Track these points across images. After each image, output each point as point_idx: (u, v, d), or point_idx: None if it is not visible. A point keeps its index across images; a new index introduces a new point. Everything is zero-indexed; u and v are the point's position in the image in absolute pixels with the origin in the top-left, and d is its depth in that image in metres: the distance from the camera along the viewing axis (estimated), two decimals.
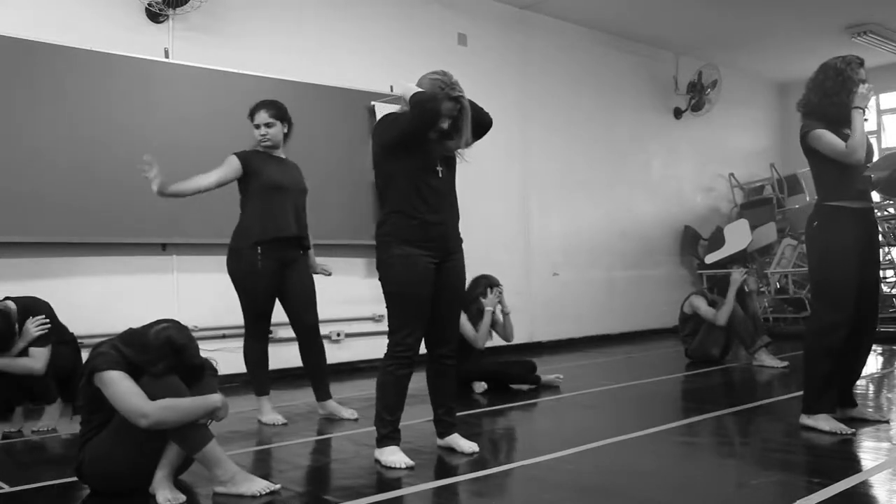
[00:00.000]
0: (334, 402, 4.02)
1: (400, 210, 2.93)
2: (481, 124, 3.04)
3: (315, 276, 4.05)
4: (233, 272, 3.83)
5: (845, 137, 3.25)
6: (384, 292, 2.98)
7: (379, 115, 6.03)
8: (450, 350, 3.11)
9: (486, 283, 4.76)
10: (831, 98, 3.28)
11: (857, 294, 3.23)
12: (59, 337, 3.83)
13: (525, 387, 4.77)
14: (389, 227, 2.95)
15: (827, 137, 3.25)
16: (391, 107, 6.04)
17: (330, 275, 4.16)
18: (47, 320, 3.73)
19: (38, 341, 3.69)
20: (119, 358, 2.50)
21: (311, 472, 3.00)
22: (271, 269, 3.79)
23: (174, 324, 2.62)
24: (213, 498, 2.53)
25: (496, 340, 5.07)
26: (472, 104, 3.01)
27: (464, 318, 4.70)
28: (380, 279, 2.99)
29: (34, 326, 3.67)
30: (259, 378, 3.93)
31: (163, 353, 2.52)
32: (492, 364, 4.84)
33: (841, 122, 3.31)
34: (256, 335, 3.90)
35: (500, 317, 4.90)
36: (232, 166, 3.79)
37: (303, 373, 4.17)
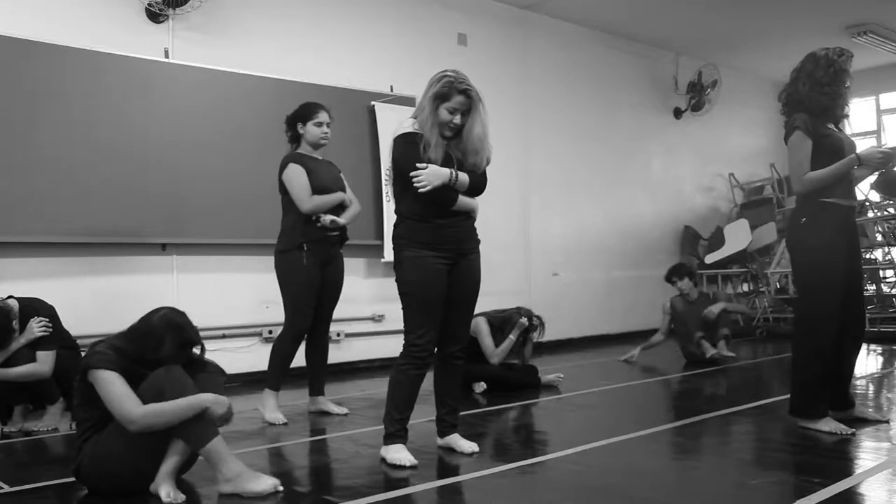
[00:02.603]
0: (325, 399, 4.15)
1: (412, 213, 2.96)
2: (476, 189, 3.02)
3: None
4: (279, 273, 3.96)
5: (828, 133, 3.21)
6: (399, 293, 3.01)
7: (379, 116, 6.10)
8: (459, 350, 3.12)
9: (527, 314, 4.87)
10: (822, 88, 3.22)
11: (845, 291, 3.20)
12: (61, 341, 3.83)
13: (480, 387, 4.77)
14: (403, 230, 2.99)
15: (804, 152, 3.20)
16: (391, 107, 6.08)
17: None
18: (50, 322, 3.74)
19: (44, 344, 3.70)
20: (115, 357, 2.51)
21: (312, 472, 3.00)
22: (314, 269, 3.91)
23: (169, 307, 2.65)
24: (218, 499, 2.51)
25: None
26: (474, 175, 2.99)
27: (486, 328, 4.74)
28: (395, 280, 3.03)
29: (37, 326, 3.68)
30: (279, 374, 3.98)
31: (162, 333, 2.54)
32: (494, 367, 4.84)
33: (828, 114, 3.26)
34: (293, 334, 3.97)
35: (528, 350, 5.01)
36: (304, 175, 3.89)
37: (303, 373, 4.19)
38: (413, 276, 2.94)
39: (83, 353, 3.98)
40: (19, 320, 3.70)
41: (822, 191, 3.21)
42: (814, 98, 3.24)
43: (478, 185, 3.01)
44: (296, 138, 4.06)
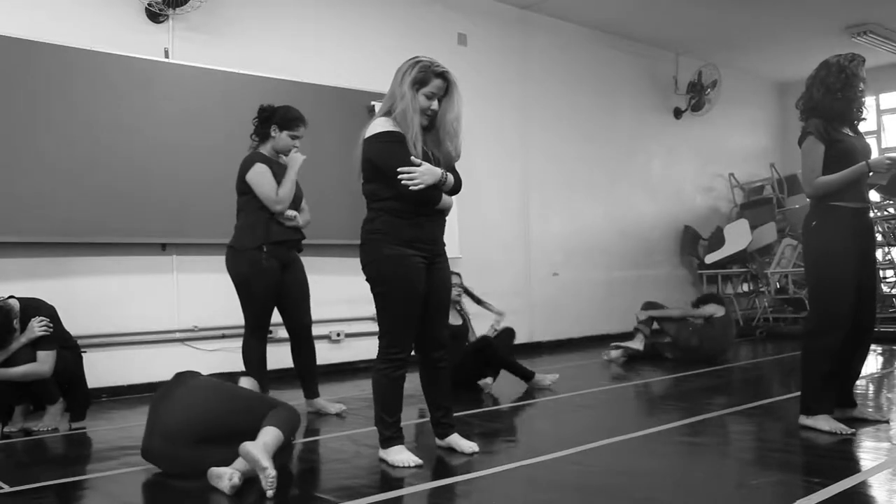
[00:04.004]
0: (322, 400, 4.12)
1: (393, 208, 2.88)
2: (456, 188, 3.02)
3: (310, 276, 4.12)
4: (235, 272, 3.86)
5: (840, 139, 3.27)
6: (374, 292, 2.94)
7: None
8: (443, 353, 3.09)
9: None
10: (835, 94, 3.28)
11: (855, 294, 3.23)
12: (62, 341, 3.83)
13: (489, 381, 4.81)
14: (381, 225, 2.90)
15: (816, 157, 3.26)
16: None
17: None
18: (51, 322, 3.74)
19: (45, 344, 3.70)
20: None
21: (311, 472, 3.00)
22: (274, 270, 3.85)
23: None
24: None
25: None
26: (455, 173, 2.98)
27: None
28: (368, 279, 2.96)
29: (38, 325, 3.68)
30: (261, 377, 3.93)
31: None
32: (501, 359, 4.85)
33: (843, 119, 3.31)
34: (257, 335, 3.91)
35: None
36: (271, 175, 3.86)
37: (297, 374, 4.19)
38: (394, 274, 2.87)
39: (83, 354, 4.03)
40: (20, 320, 3.70)
41: (832, 194, 3.27)
42: (827, 103, 3.31)
43: (457, 185, 3.01)
44: (263, 135, 3.98)
